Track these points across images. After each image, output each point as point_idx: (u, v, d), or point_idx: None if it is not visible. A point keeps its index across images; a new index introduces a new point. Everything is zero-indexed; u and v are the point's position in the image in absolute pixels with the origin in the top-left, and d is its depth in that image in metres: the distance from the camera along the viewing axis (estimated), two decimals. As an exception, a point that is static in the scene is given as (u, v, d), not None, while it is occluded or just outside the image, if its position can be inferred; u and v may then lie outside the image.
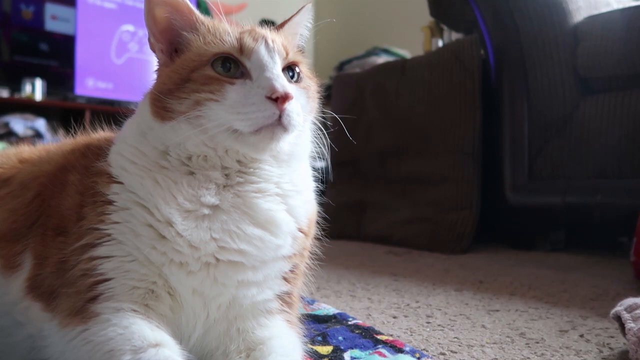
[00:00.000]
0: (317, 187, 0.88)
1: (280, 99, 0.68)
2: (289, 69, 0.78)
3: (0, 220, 0.81)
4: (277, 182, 0.77)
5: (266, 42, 0.74)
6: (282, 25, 0.85)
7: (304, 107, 0.76)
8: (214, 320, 0.74)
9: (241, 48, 0.73)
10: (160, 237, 0.70)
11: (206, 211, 0.71)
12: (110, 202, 0.72)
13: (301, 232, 0.80)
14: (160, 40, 0.77)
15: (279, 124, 0.70)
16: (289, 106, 0.69)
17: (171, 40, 0.77)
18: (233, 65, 0.73)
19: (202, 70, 0.72)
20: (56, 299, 0.71)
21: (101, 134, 0.91)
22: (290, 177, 0.79)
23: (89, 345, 0.65)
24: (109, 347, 0.64)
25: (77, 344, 0.66)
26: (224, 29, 0.76)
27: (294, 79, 0.78)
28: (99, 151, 0.80)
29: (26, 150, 0.95)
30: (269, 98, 0.69)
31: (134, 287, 0.70)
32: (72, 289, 0.70)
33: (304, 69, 0.81)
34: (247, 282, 0.74)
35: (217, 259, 0.71)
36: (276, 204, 0.76)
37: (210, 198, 0.72)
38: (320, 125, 0.86)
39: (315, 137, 0.84)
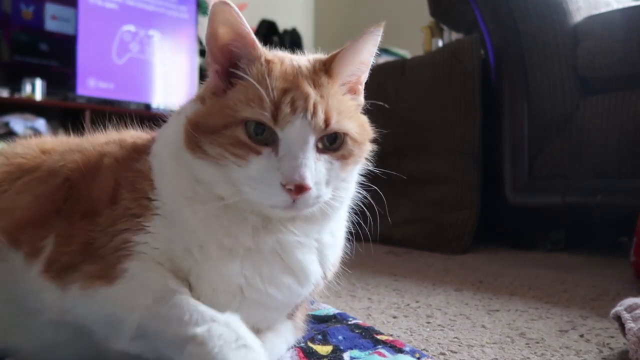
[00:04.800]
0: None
1: (295, 191, 0.66)
2: (332, 134, 0.71)
3: (25, 205, 0.81)
4: (317, 238, 0.78)
5: (305, 113, 0.68)
6: (341, 52, 0.75)
7: (334, 179, 0.72)
8: None
9: (275, 117, 0.68)
10: (191, 254, 0.72)
11: (241, 251, 0.72)
12: (152, 203, 0.73)
13: (324, 277, 0.82)
14: (218, 60, 0.73)
15: (293, 207, 0.68)
16: (306, 194, 0.67)
17: (229, 65, 0.73)
18: (267, 129, 0.68)
19: (233, 130, 0.69)
20: (73, 271, 0.71)
21: (132, 132, 0.92)
22: (331, 228, 0.80)
23: (113, 298, 0.68)
24: (132, 295, 0.67)
25: (102, 298, 0.68)
26: (269, 84, 0.69)
27: (334, 145, 0.71)
28: (135, 146, 0.82)
29: (48, 141, 0.95)
30: (285, 187, 0.66)
31: (161, 264, 0.72)
32: (98, 260, 0.71)
33: (352, 128, 0.73)
34: (266, 318, 0.78)
35: (243, 296, 0.72)
36: (311, 256, 0.77)
37: (247, 241, 0.72)
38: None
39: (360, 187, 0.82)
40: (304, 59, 0.78)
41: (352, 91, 0.79)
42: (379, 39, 0.76)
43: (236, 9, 0.70)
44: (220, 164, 0.69)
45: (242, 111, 0.68)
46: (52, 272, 0.73)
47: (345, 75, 0.76)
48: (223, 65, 0.73)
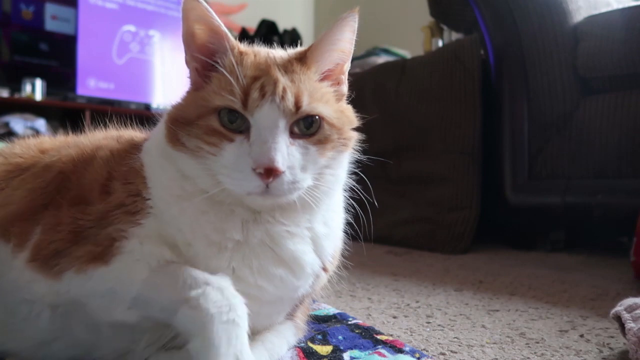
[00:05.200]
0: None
1: (265, 174, 0.66)
2: (306, 117, 0.71)
3: (18, 199, 0.81)
4: (309, 227, 0.77)
5: (273, 97, 0.69)
6: (316, 41, 0.76)
7: (312, 164, 0.71)
8: None
9: (245, 103, 0.69)
10: (178, 250, 0.72)
11: (230, 245, 0.72)
12: (146, 203, 0.74)
13: (323, 269, 0.81)
14: (196, 59, 0.75)
15: (268, 192, 0.68)
16: (279, 179, 0.67)
17: (206, 62, 0.75)
18: (240, 117, 0.69)
19: (206, 119, 0.70)
20: (61, 258, 0.71)
21: (131, 132, 0.93)
22: (323, 217, 0.79)
23: (111, 275, 0.69)
24: (129, 270, 0.68)
25: (99, 276, 0.69)
26: (239, 73, 0.70)
27: (310, 129, 0.72)
28: (132, 142, 0.82)
29: (47, 141, 0.96)
30: (256, 171, 0.66)
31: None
32: (90, 244, 0.71)
33: (328, 112, 0.73)
34: (261, 313, 0.76)
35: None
36: (304, 246, 0.76)
37: (236, 234, 0.72)
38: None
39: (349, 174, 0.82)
40: (282, 52, 0.79)
41: (335, 81, 0.79)
42: (355, 25, 0.76)
43: (204, 3, 0.71)
44: (197, 155, 0.70)
45: (214, 100, 0.70)
46: (39, 260, 0.72)
47: (323, 64, 0.76)
48: (202, 63, 0.75)
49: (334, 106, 0.76)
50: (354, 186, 0.84)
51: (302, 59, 0.75)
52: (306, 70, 0.74)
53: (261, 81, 0.70)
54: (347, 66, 0.81)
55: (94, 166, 0.79)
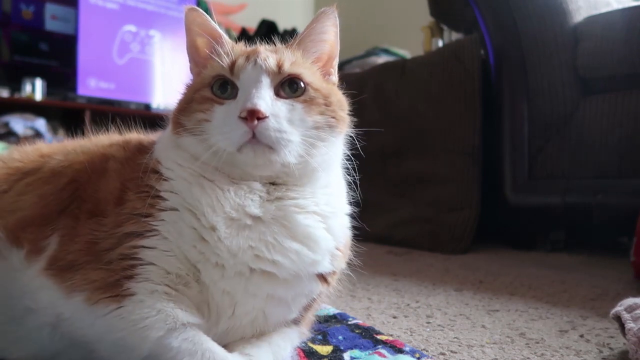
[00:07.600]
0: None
1: (248, 117, 0.70)
2: (291, 82, 0.77)
3: (28, 205, 0.81)
4: (314, 201, 0.79)
5: (256, 60, 0.77)
6: (300, 35, 0.84)
7: (300, 122, 0.75)
8: (239, 324, 0.77)
9: (232, 69, 0.77)
10: (202, 240, 0.73)
11: (249, 222, 0.74)
12: (162, 199, 0.75)
13: (339, 250, 0.82)
14: (200, 65, 0.83)
15: (257, 142, 0.71)
16: (263, 124, 0.71)
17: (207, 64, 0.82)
18: (230, 86, 0.77)
19: (201, 91, 0.78)
20: (75, 271, 0.72)
21: (134, 135, 0.95)
22: (327, 198, 0.81)
23: (123, 322, 0.68)
24: (144, 324, 0.68)
25: (110, 319, 0.69)
26: (231, 52, 0.79)
27: (296, 92, 0.77)
28: (140, 147, 0.85)
29: (44, 146, 0.97)
30: (240, 117, 0.71)
31: (169, 273, 0.73)
32: (104, 265, 0.71)
33: (312, 79, 0.79)
34: (277, 297, 0.77)
35: (251, 269, 0.73)
36: (315, 222, 0.78)
37: (255, 209, 0.75)
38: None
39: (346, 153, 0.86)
40: None
41: (324, 72, 0.85)
42: (336, 19, 0.83)
43: (202, 11, 0.80)
44: (195, 132, 0.75)
45: (208, 74, 0.79)
46: (54, 269, 0.73)
47: (308, 52, 0.83)
48: (204, 67, 0.83)
49: (320, 78, 0.82)
50: (354, 180, 0.87)
51: (288, 46, 0.83)
52: (291, 50, 0.81)
53: (247, 54, 0.79)
54: (335, 61, 0.86)
55: (107, 179, 0.80)
